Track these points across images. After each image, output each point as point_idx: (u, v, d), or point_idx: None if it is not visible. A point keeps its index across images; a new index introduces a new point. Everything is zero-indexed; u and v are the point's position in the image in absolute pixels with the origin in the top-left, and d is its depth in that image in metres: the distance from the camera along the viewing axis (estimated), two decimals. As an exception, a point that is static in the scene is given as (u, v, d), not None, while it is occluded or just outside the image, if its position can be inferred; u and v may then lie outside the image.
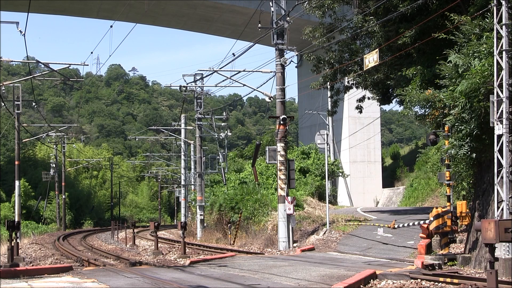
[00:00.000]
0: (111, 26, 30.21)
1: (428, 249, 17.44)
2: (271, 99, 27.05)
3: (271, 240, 27.92)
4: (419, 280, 13.90)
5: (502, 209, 14.56)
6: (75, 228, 66.82)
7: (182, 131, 51.10)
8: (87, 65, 40.45)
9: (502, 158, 14.62)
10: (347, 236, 26.18)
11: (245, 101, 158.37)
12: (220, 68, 30.34)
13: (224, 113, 53.03)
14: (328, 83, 29.36)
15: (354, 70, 27.85)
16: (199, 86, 39.65)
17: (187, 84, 38.37)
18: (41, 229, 58.71)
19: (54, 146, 66.03)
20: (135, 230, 38.32)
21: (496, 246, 12.43)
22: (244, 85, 30.78)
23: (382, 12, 24.47)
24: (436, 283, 13.51)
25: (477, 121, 15.89)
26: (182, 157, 54.84)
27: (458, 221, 17.73)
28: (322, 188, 42.36)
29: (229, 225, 33.97)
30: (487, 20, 16.06)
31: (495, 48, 14.84)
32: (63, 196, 65.01)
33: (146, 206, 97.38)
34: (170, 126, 61.42)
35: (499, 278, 11.82)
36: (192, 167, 50.43)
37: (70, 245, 35.86)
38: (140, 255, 27.72)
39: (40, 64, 36.88)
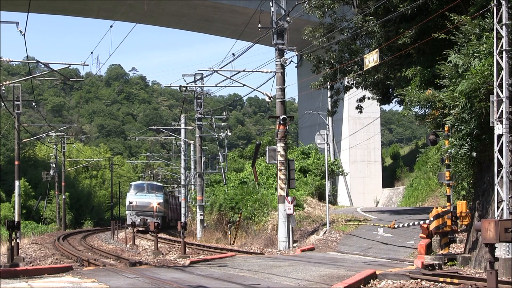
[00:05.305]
0: (111, 26, 30.26)
1: (428, 249, 17.43)
2: (271, 99, 27.04)
3: (271, 240, 27.91)
4: (419, 280, 13.90)
5: (502, 209, 14.56)
6: (75, 228, 66.80)
7: (182, 131, 51.08)
8: (87, 65, 40.49)
9: (502, 158, 14.62)
10: (347, 236, 26.17)
11: (245, 101, 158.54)
12: (220, 68, 30.32)
13: (224, 113, 53.01)
14: (328, 83, 29.33)
15: (354, 70, 27.81)
16: (199, 86, 39.63)
17: (187, 84, 38.37)
18: (41, 229, 58.68)
19: (54, 146, 66.05)
20: (135, 230, 38.34)
21: (496, 246, 12.43)
22: (244, 85, 30.78)
23: (382, 12, 24.45)
24: (436, 283, 13.51)
25: (477, 121, 15.89)
26: (182, 157, 54.81)
27: (458, 221, 17.72)
28: (322, 188, 42.33)
29: (229, 225, 33.96)
30: (487, 20, 16.05)
31: (495, 48, 14.84)
32: (63, 196, 65.02)
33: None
34: (170, 126, 61.45)
35: (499, 278, 11.81)
36: (192, 167, 50.40)
37: (70, 245, 35.86)
38: (140, 255, 27.73)
39: (40, 64, 36.91)
